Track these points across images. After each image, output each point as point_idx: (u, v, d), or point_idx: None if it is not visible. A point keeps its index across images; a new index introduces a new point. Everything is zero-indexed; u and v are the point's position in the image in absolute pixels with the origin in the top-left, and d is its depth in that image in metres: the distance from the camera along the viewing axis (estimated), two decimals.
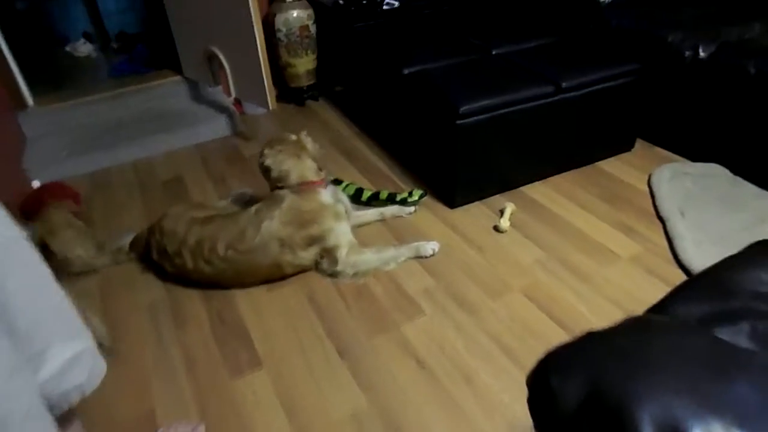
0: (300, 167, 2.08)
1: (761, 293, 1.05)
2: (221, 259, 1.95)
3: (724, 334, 0.98)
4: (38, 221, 2.16)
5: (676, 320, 0.92)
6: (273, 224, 1.97)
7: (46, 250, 2.03)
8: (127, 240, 2.22)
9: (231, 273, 1.97)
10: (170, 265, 2.02)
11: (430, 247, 2.13)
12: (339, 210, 2.11)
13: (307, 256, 2.03)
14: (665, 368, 0.72)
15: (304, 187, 2.05)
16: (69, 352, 0.98)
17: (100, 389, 1.62)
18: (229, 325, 1.88)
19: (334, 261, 2.03)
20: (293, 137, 2.17)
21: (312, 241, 2.02)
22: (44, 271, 0.98)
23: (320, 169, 2.15)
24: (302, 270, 2.07)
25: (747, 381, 0.76)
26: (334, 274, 2.05)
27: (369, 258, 2.07)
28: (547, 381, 0.74)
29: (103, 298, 2.03)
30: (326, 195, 2.10)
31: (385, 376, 1.66)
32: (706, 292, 1.08)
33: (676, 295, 1.11)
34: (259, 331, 1.85)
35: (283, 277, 2.05)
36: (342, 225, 2.08)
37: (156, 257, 2.07)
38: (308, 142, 2.18)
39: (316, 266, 2.08)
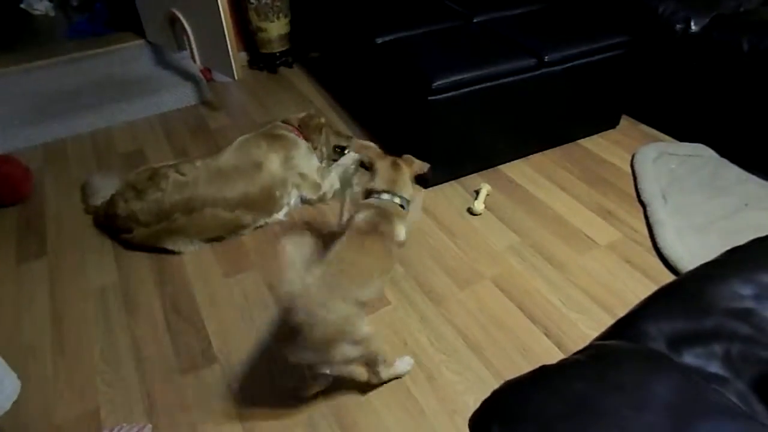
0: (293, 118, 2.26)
1: (736, 310, 0.97)
2: (194, 168, 1.97)
3: (695, 357, 0.90)
4: None
5: (643, 348, 0.83)
6: (246, 135, 2.14)
7: None
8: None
9: (204, 184, 1.95)
10: (141, 208, 1.92)
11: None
12: (307, 149, 2.20)
13: (279, 165, 2.08)
14: (622, 423, 0.63)
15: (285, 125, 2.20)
16: None
17: (40, 389, 1.54)
18: (183, 314, 1.77)
19: (313, 186, 2.17)
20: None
21: (282, 151, 2.10)
22: None
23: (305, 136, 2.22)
24: (273, 189, 2.07)
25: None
26: (313, 188, 2.18)
27: (332, 176, 2.23)
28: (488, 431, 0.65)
29: (51, 281, 1.92)
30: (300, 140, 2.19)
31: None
32: (680, 307, 0.99)
33: (648, 307, 1.02)
34: (214, 322, 1.75)
35: (256, 206, 2.04)
36: (309, 156, 2.19)
37: (122, 209, 1.94)
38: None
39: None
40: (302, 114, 2.30)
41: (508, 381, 0.74)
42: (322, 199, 2.20)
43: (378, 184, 1.51)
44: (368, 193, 1.53)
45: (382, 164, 1.56)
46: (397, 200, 1.49)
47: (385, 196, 1.49)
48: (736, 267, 1.05)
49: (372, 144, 1.92)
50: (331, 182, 2.21)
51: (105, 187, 2.18)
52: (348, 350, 1.23)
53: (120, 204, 1.95)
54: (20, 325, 1.75)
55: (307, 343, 1.15)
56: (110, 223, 2.02)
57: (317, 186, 2.18)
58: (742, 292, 0.98)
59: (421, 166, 1.62)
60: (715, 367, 0.88)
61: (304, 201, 2.20)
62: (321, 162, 2.28)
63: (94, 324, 1.75)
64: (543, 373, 0.72)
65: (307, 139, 2.22)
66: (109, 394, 1.54)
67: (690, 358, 0.90)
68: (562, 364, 0.74)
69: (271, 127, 2.19)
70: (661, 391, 0.69)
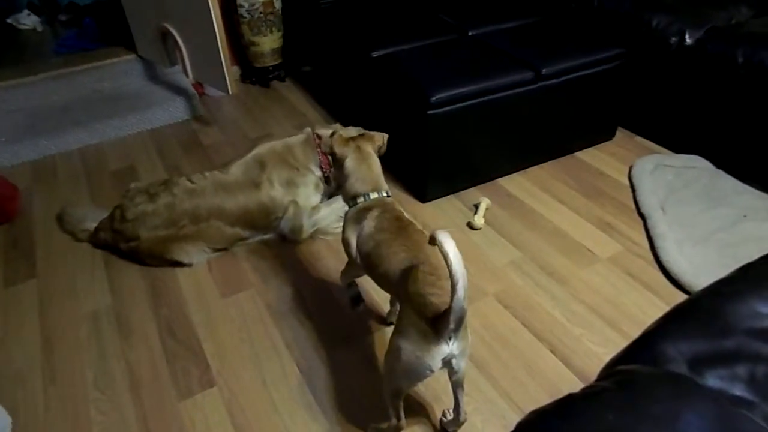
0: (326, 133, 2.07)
1: (757, 329, 0.94)
2: (203, 178, 1.97)
3: (719, 380, 0.88)
4: None
5: (670, 373, 0.80)
6: (263, 147, 2.06)
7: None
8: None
9: (211, 195, 1.94)
10: (153, 210, 1.90)
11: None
12: (315, 185, 2.10)
13: (282, 192, 2.02)
14: None
15: (314, 140, 2.08)
16: None
17: (31, 420, 1.48)
18: (179, 338, 1.72)
19: (297, 227, 2.06)
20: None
21: (285, 177, 2.03)
22: None
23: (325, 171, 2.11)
24: (272, 214, 2.03)
25: None
26: (294, 230, 2.06)
27: (325, 212, 2.11)
28: None
29: (41, 305, 1.85)
30: (316, 168, 2.09)
31: (349, 395, 1.53)
32: (698, 327, 0.97)
33: (665, 327, 1.00)
34: (212, 344, 1.70)
35: (254, 223, 2.02)
36: (312, 193, 2.10)
37: (131, 214, 1.90)
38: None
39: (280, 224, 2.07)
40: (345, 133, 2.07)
41: (533, 411, 0.70)
42: (298, 241, 2.09)
43: (360, 187, 1.47)
44: (354, 198, 1.48)
45: (353, 161, 1.49)
46: (384, 194, 1.48)
47: (373, 195, 1.46)
48: (752, 284, 1.03)
49: (335, 127, 1.70)
50: (314, 224, 2.09)
51: (90, 213, 2.14)
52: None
53: (130, 209, 1.92)
54: (9, 352, 1.69)
55: (461, 333, 1.18)
56: (116, 231, 1.95)
57: (301, 230, 2.06)
58: (762, 311, 0.96)
59: (382, 138, 1.57)
60: (740, 390, 0.86)
61: (283, 237, 2.11)
62: (322, 197, 2.19)
63: (87, 349, 1.69)
64: (570, 402, 0.69)
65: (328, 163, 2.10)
66: (103, 423, 1.48)
67: (713, 380, 0.88)
68: (589, 392, 0.71)
69: (292, 145, 2.08)
70: (695, 421, 0.66)
